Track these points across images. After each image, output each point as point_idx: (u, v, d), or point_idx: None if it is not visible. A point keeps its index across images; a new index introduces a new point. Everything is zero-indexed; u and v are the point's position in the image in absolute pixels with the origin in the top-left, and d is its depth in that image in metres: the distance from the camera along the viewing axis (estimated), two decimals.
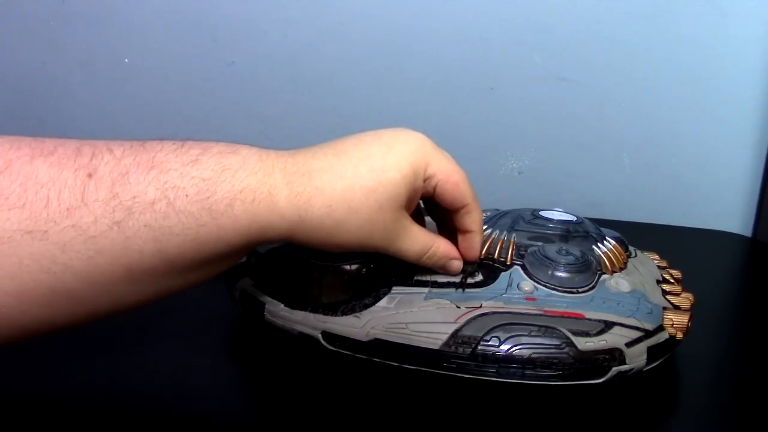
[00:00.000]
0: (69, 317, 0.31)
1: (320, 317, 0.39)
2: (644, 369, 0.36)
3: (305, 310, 0.39)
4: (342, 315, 0.39)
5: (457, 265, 0.39)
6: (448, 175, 0.36)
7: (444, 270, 0.39)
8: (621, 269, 0.41)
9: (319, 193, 0.33)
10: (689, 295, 0.41)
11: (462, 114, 0.67)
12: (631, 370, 0.36)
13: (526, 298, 0.38)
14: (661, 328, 0.37)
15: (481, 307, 0.37)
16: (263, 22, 0.66)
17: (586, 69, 0.63)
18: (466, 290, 0.38)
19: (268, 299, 0.40)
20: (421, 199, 0.39)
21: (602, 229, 0.45)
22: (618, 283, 0.39)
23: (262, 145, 0.34)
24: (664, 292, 0.41)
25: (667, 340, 0.37)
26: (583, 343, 0.36)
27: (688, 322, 0.38)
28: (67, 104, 0.71)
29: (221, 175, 0.31)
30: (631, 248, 0.45)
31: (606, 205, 0.67)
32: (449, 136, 0.68)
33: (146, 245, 0.31)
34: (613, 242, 0.42)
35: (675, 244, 0.56)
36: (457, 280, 0.39)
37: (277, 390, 0.38)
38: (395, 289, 0.39)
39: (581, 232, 0.43)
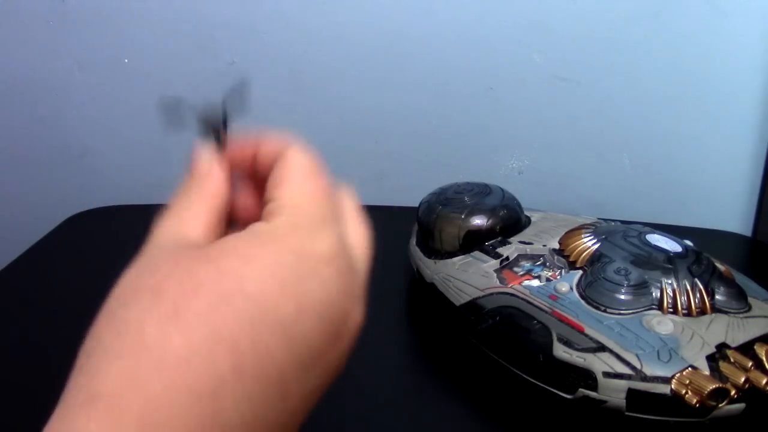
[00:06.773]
0: None
1: (422, 256, 0.48)
2: (626, 413, 0.34)
3: (426, 252, 0.48)
4: (430, 258, 0.47)
5: None
6: None
7: None
8: (689, 314, 0.36)
9: None
10: (756, 377, 0.33)
11: (462, 114, 0.67)
12: (603, 402, 0.34)
13: (550, 296, 0.39)
14: (664, 380, 0.33)
15: (509, 287, 0.40)
16: (263, 22, 0.66)
17: (586, 69, 0.63)
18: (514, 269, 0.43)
19: (413, 242, 0.51)
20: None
21: (734, 280, 0.39)
22: (661, 321, 0.35)
23: None
24: (724, 357, 0.34)
25: (667, 396, 0.33)
26: (561, 352, 0.35)
27: (708, 391, 0.32)
28: (67, 104, 0.70)
29: None
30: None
31: (606, 205, 0.67)
32: (449, 136, 0.68)
33: None
34: (701, 286, 0.37)
35: None
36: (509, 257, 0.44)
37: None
38: (474, 253, 0.45)
39: (670, 263, 0.38)
